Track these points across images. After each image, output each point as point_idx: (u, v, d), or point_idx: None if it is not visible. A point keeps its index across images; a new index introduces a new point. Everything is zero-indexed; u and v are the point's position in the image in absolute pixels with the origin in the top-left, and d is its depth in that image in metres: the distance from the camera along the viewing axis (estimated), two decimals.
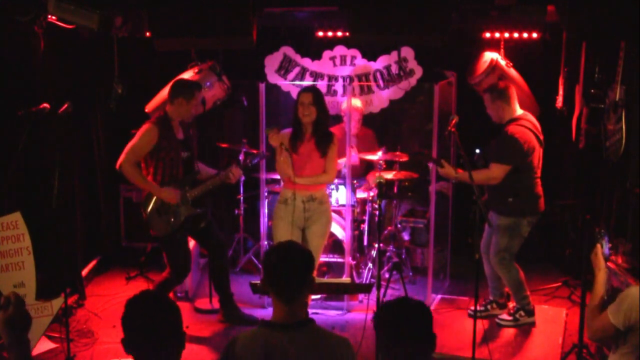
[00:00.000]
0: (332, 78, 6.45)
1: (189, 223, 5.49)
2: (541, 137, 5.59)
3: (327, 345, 2.84)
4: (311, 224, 5.43)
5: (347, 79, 6.40)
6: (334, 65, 6.42)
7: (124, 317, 2.54)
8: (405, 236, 7.04)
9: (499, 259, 5.58)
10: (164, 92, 6.33)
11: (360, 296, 6.19)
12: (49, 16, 5.46)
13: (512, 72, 6.38)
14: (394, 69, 6.34)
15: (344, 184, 6.05)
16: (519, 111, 5.57)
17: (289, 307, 2.82)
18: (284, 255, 2.88)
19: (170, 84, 6.34)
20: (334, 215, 5.82)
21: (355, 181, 6.37)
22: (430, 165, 6.04)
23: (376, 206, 6.18)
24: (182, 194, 5.39)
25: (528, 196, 5.52)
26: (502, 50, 6.44)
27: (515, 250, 5.58)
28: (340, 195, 6.20)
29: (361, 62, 6.42)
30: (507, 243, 5.53)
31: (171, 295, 6.20)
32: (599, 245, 3.85)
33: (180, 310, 2.59)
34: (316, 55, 6.47)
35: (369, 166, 6.93)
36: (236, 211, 7.10)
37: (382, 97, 6.47)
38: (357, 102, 6.50)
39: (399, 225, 6.88)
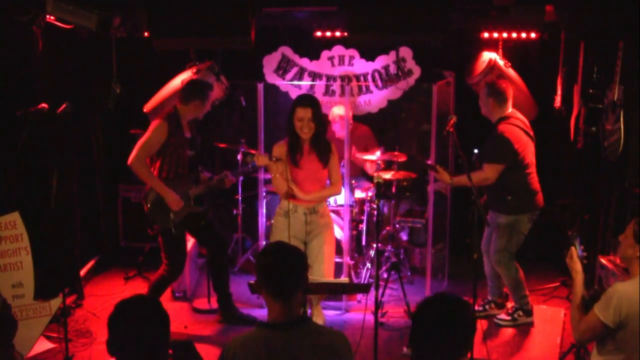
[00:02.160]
0: (331, 78, 6.45)
1: (189, 220, 5.50)
2: (531, 133, 5.63)
3: (325, 341, 2.87)
4: (313, 238, 5.18)
5: (346, 80, 6.40)
6: (332, 65, 6.42)
7: (110, 318, 2.55)
8: (404, 236, 7.04)
9: (499, 257, 5.58)
10: (163, 92, 6.35)
11: (359, 296, 6.19)
12: (48, 16, 5.46)
13: (511, 72, 6.39)
14: (393, 69, 6.34)
15: (342, 184, 6.04)
16: (509, 109, 5.59)
17: (285, 307, 2.84)
18: (277, 255, 2.89)
19: (169, 83, 6.37)
20: (333, 215, 5.81)
21: (353, 181, 6.37)
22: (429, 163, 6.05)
23: (374, 206, 6.18)
24: (185, 199, 5.40)
25: (525, 193, 5.54)
26: (500, 50, 6.45)
27: (516, 248, 5.59)
28: (338, 195, 6.19)
29: (359, 62, 6.42)
30: (507, 241, 5.54)
31: (169, 294, 6.21)
32: (573, 248, 3.83)
33: (170, 322, 2.60)
34: (314, 55, 6.46)
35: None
36: (235, 211, 7.10)
37: (381, 97, 6.47)
38: (339, 110, 6.45)
39: (397, 225, 6.89)
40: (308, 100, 5.05)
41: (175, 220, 5.39)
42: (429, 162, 5.89)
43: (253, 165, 5.64)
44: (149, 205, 5.37)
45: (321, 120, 5.03)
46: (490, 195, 5.63)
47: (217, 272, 5.81)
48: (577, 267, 3.76)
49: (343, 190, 5.99)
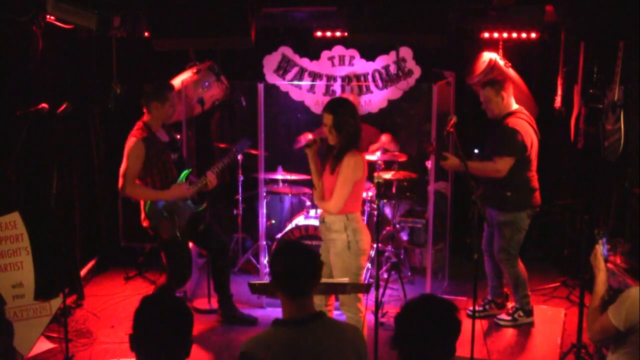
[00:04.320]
0: (331, 78, 6.45)
1: (189, 227, 5.47)
2: (536, 129, 5.61)
3: (343, 334, 2.95)
4: (329, 248, 4.83)
5: (346, 79, 6.40)
6: (333, 65, 6.42)
7: (137, 312, 2.53)
8: (404, 236, 7.04)
9: (502, 256, 5.57)
10: None
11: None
12: (48, 16, 5.46)
13: (511, 72, 6.39)
14: (393, 69, 6.34)
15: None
16: (515, 105, 5.57)
17: (301, 304, 2.90)
18: (292, 255, 2.94)
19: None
20: None
21: None
22: (429, 165, 6.04)
23: (374, 206, 6.18)
24: (182, 201, 5.35)
25: (525, 190, 5.53)
26: (500, 50, 6.45)
27: (518, 245, 5.57)
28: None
29: (359, 62, 6.42)
30: (509, 239, 5.53)
31: None
32: (598, 247, 3.83)
33: (193, 320, 2.60)
34: (315, 55, 6.47)
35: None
36: (235, 211, 7.10)
37: (381, 97, 6.47)
38: None
39: (397, 225, 6.88)
40: (331, 105, 4.64)
41: (181, 224, 5.35)
42: (432, 144, 5.81)
43: (237, 150, 5.56)
44: (151, 220, 5.27)
45: (345, 133, 4.55)
46: (489, 191, 5.58)
47: (217, 274, 5.80)
48: (601, 266, 3.77)
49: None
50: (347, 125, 4.55)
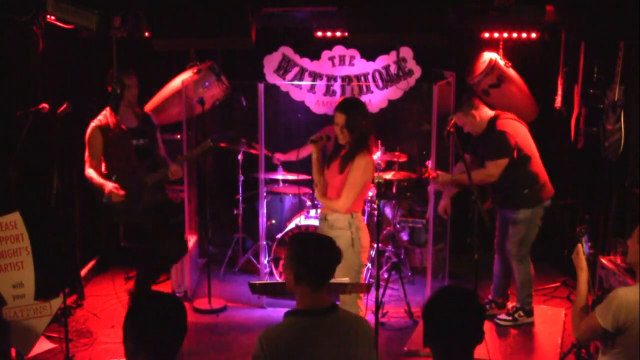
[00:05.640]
0: (331, 78, 6.44)
1: (157, 213, 5.45)
2: (525, 125, 5.66)
3: (356, 326, 3.04)
4: None
5: (346, 79, 6.39)
6: (333, 65, 6.42)
7: (131, 314, 2.52)
8: (404, 236, 7.04)
9: (516, 251, 5.59)
10: (163, 92, 6.36)
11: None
12: (48, 16, 5.45)
13: (511, 72, 6.39)
14: (393, 69, 6.34)
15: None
16: (490, 112, 5.62)
17: (320, 295, 2.99)
18: (318, 247, 3.01)
19: (169, 83, 6.37)
20: None
21: None
22: (430, 165, 6.05)
23: (375, 206, 6.18)
24: (142, 188, 5.35)
25: (538, 184, 5.57)
26: (501, 50, 6.45)
27: (532, 241, 5.61)
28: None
29: (360, 62, 6.42)
30: (525, 235, 5.57)
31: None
32: (579, 245, 3.81)
33: (186, 311, 2.60)
34: (315, 55, 6.46)
35: None
36: (235, 211, 7.10)
37: (381, 97, 6.47)
38: None
39: (397, 225, 6.88)
40: (344, 105, 4.62)
41: (137, 211, 5.33)
42: (425, 168, 5.87)
43: (212, 140, 5.51)
44: (105, 199, 5.25)
45: (358, 129, 4.54)
46: (504, 194, 5.62)
47: (155, 267, 5.69)
48: (582, 265, 3.74)
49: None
50: (359, 126, 4.54)
